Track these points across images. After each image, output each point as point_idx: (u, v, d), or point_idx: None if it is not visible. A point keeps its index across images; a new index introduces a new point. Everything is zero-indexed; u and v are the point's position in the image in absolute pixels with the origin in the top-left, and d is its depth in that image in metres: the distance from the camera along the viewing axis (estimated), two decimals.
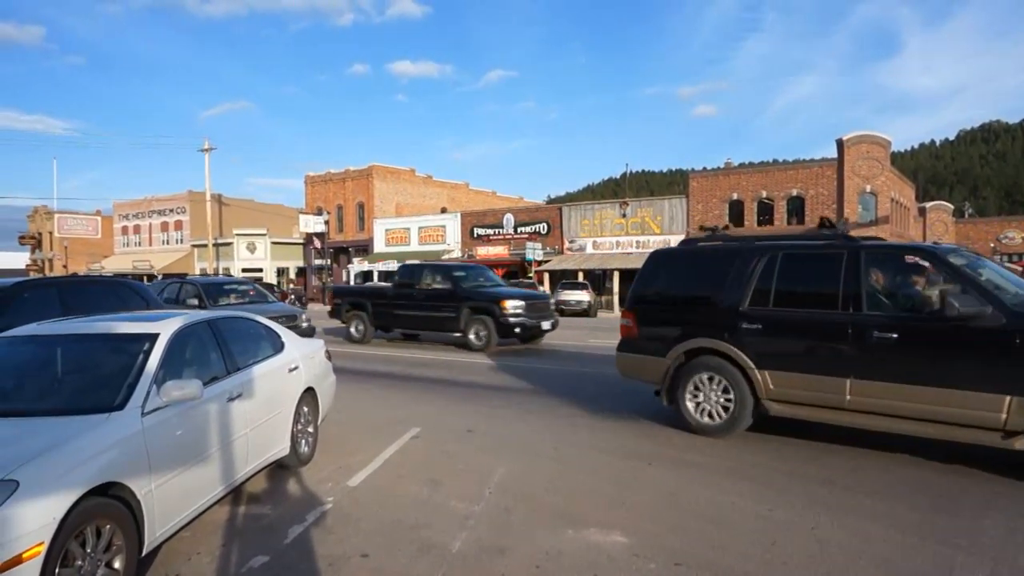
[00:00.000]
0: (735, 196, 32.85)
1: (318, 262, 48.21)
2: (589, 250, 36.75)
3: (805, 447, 6.62)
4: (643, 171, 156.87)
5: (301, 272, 52.33)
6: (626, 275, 34.57)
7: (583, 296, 30.20)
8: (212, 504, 4.56)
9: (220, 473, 4.55)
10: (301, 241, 51.80)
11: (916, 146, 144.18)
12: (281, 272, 52.41)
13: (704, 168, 36.03)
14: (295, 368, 6.03)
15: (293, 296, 40.31)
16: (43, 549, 2.98)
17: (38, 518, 3.00)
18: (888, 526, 4.59)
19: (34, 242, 67.42)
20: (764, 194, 32.22)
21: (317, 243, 47.87)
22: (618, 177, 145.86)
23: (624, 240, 35.67)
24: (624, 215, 35.71)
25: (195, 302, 13.56)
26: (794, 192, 31.55)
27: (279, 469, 5.86)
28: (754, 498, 5.16)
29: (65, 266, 59.76)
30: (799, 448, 6.59)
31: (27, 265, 66.15)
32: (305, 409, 6.13)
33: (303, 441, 6.05)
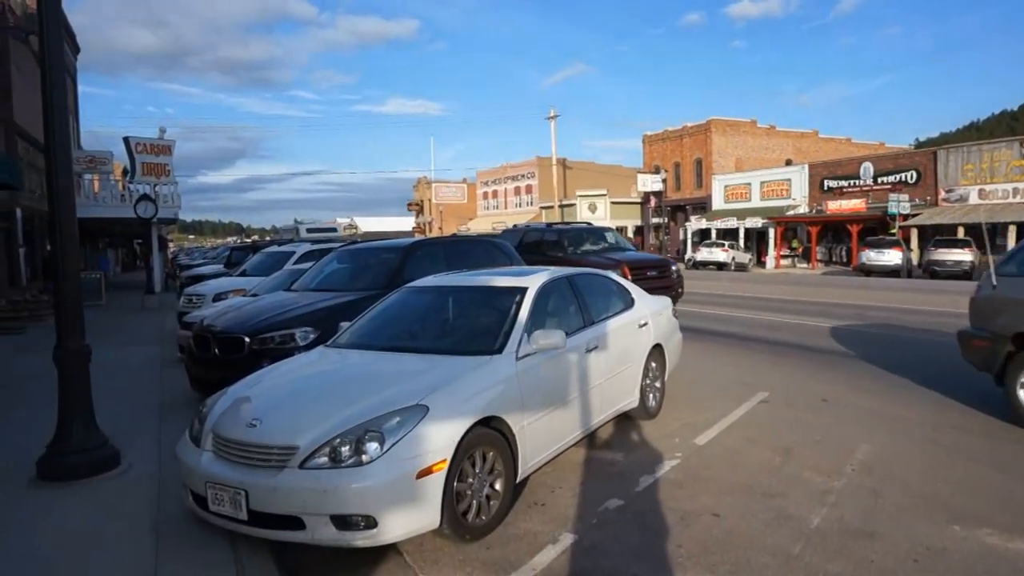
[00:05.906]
0: None
1: (655, 220, 48.76)
2: (973, 200, 30.87)
3: None
4: None
5: (639, 231, 53.49)
6: None
7: (964, 255, 25.52)
8: (570, 446, 4.95)
9: (578, 418, 4.91)
10: (639, 200, 52.83)
11: None
12: (620, 231, 54.29)
13: None
14: (644, 324, 6.18)
15: None
16: (446, 465, 3.54)
17: (443, 438, 3.56)
18: None
19: (417, 208, 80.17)
20: None
21: (654, 202, 48.38)
22: (1015, 109, 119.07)
23: None
24: None
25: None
26: None
27: (627, 420, 6.12)
28: None
29: (440, 228, 69.82)
30: None
31: (413, 228, 79.02)
32: (653, 364, 6.27)
33: (651, 395, 6.21)
